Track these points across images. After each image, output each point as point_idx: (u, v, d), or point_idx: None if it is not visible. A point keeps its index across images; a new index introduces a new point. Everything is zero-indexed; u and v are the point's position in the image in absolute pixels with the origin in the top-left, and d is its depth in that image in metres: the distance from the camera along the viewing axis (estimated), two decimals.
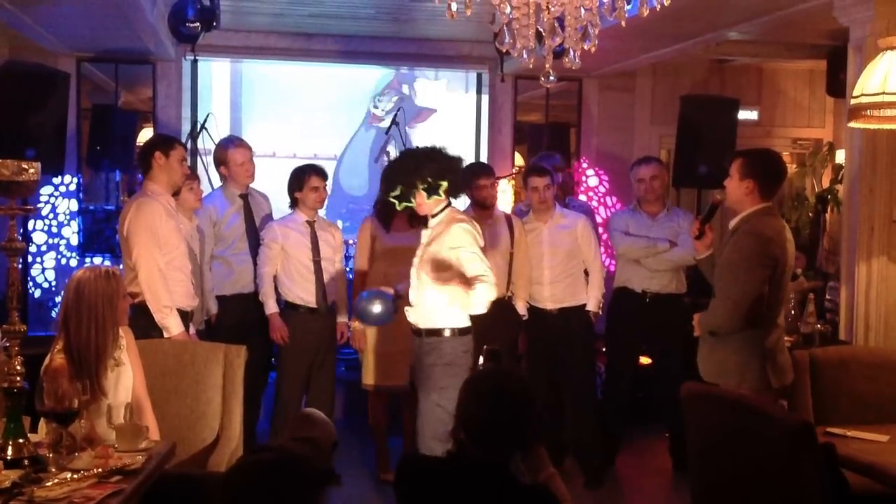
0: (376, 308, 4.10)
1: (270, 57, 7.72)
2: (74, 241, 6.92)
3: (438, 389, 3.92)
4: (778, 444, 2.97)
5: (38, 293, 6.68)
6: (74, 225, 6.92)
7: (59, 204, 6.87)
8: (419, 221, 4.27)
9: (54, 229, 6.84)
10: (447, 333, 4.00)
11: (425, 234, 4.10)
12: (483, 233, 5.13)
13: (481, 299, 3.86)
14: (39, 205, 6.68)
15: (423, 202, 4.00)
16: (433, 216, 4.05)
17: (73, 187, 6.91)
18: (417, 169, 3.96)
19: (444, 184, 3.95)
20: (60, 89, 5.97)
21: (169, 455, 3.10)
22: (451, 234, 3.94)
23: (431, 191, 3.95)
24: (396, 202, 4.03)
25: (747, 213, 3.83)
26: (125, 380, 3.39)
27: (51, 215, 6.85)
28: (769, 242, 3.73)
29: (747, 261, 3.71)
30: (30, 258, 6.58)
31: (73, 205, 6.90)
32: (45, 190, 6.74)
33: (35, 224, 6.73)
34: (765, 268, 3.70)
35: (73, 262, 6.79)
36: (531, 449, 2.54)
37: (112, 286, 3.29)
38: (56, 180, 6.78)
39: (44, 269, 6.75)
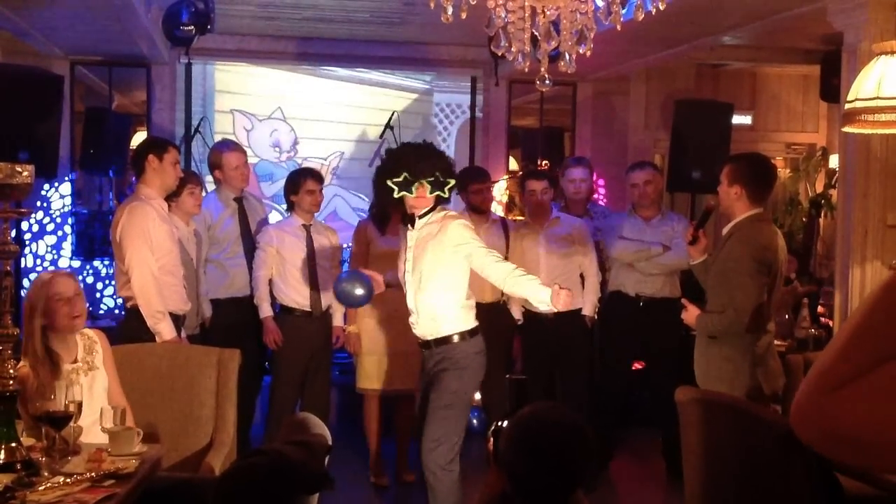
0: (359, 290, 4.03)
1: (264, 60, 7.71)
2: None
3: (450, 394, 3.86)
4: (771, 448, 2.97)
5: None
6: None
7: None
8: (411, 224, 4.09)
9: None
10: (456, 339, 3.90)
11: (411, 236, 3.97)
12: (478, 237, 5.16)
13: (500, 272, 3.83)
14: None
15: (424, 195, 3.86)
16: (420, 217, 3.94)
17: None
18: (429, 159, 3.87)
19: (452, 182, 3.90)
20: (54, 92, 5.95)
21: (162, 459, 3.08)
22: (450, 232, 3.84)
23: (436, 186, 3.83)
24: (395, 188, 3.83)
25: (739, 219, 3.86)
26: (99, 384, 3.33)
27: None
28: (764, 250, 3.78)
29: (746, 268, 3.73)
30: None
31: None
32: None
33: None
34: (763, 275, 3.74)
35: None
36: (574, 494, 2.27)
37: (47, 291, 3.15)
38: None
39: None
